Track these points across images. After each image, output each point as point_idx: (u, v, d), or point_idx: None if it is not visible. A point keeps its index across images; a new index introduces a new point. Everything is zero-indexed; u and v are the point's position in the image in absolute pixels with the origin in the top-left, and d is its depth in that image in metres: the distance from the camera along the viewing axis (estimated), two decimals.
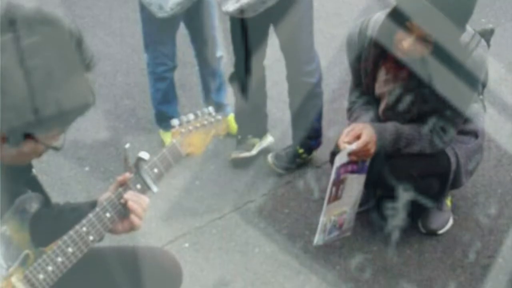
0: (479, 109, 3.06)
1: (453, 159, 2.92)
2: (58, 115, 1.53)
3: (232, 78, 3.56)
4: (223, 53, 3.76)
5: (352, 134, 2.79)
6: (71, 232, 1.75)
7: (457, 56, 2.65)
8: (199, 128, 2.02)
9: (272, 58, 3.51)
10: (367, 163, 2.90)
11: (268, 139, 3.72)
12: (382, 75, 2.88)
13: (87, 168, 3.67)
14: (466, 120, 2.93)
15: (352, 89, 3.06)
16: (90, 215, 1.78)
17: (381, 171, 2.89)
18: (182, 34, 3.71)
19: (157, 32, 3.52)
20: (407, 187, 2.87)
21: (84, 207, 1.89)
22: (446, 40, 2.57)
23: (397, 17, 2.60)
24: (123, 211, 1.83)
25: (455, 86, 2.69)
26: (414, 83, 2.77)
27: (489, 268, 2.96)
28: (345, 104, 3.12)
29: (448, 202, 3.21)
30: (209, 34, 3.64)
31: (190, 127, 2.00)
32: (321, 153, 3.59)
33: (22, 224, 1.73)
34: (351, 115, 3.03)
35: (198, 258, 3.10)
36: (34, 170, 1.86)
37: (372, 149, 2.80)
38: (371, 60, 2.86)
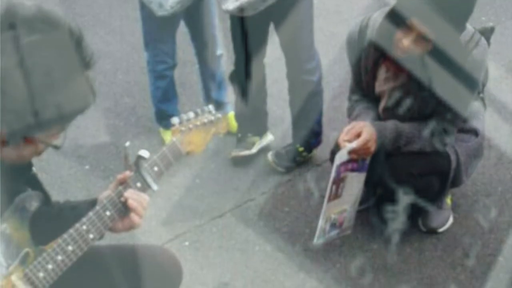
0: (480, 108, 3.06)
1: (453, 158, 2.92)
2: (58, 113, 1.53)
3: (232, 77, 3.56)
4: (223, 52, 3.76)
5: (352, 133, 2.79)
6: (71, 230, 1.75)
7: (457, 55, 2.65)
8: (199, 127, 2.02)
9: (272, 56, 3.50)
10: (367, 162, 2.90)
11: (268, 138, 3.72)
12: (382, 73, 2.88)
13: (87, 167, 3.67)
14: (467, 119, 2.93)
15: (352, 87, 3.06)
16: (90, 213, 1.78)
17: (381, 170, 2.89)
18: (182, 32, 3.71)
19: (157, 30, 3.52)
20: (407, 186, 2.87)
21: (84, 205, 1.88)
22: (446, 39, 2.57)
23: (397, 15, 2.59)
24: (123, 210, 1.83)
25: (455, 85, 2.69)
26: (414, 82, 2.77)
27: (490, 267, 2.95)
28: (345, 102, 3.12)
29: (448, 200, 3.21)
30: (209, 33, 3.63)
31: (190, 126, 2.00)
32: (321, 152, 3.59)
33: (22, 223, 1.73)
34: (351, 113, 3.03)
35: (198, 256, 3.10)
36: (34, 168, 1.86)
37: (372, 147, 2.80)
38: (371, 58, 2.85)
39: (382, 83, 2.89)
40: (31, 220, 1.75)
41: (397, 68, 2.78)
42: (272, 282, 2.97)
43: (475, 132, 3.00)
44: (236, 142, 3.66)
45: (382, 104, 2.94)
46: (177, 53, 3.67)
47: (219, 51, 3.74)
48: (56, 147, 1.64)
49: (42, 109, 1.49)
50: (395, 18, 2.61)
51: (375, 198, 3.21)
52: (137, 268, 2.02)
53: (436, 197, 3.03)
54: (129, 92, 4.26)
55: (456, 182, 3.01)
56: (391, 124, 2.85)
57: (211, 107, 2.09)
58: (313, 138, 3.56)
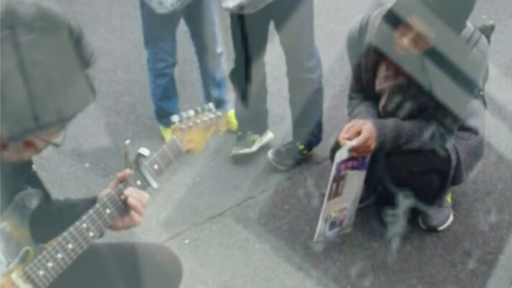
0: (480, 106, 3.06)
1: (453, 156, 2.92)
2: (58, 112, 1.53)
3: (232, 75, 3.56)
4: (223, 50, 3.76)
5: (353, 130, 2.79)
6: (71, 229, 1.74)
7: (458, 53, 2.65)
8: (199, 125, 2.02)
9: (272, 54, 3.50)
10: (368, 160, 2.90)
11: (268, 136, 3.72)
12: (382, 71, 2.88)
13: (87, 165, 3.67)
14: (467, 116, 2.92)
15: (352, 85, 3.06)
16: (90, 212, 1.78)
17: (381, 168, 2.89)
18: (182, 30, 3.71)
19: (157, 28, 3.52)
20: (407, 184, 2.87)
21: (84, 203, 1.88)
22: (446, 37, 2.57)
23: (397, 13, 2.59)
24: (123, 208, 1.82)
25: (455, 83, 2.69)
26: (415, 80, 2.77)
27: (490, 265, 2.95)
28: (346, 100, 3.12)
29: (448, 198, 3.21)
30: (209, 31, 3.63)
31: (190, 124, 1.99)
32: (321, 150, 3.59)
33: (22, 221, 1.73)
34: (352, 111, 3.03)
35: (198, 254, 3.10)
36: (34, 166, 1.86)
37: (373, 145, 2.80)
38: (371, 57, 2.85)
39: (382, 81, 2.89)
40: (31, 218, 1.74)
41: (397, 66, 2.78)
42: (272, 280, 2.97)
43: (475, 130, 3.00)
44: (236, 140, 3.66)
45: (382, 102, 2.94)
46: (177, 51, 3.67)
47: (219, 49, 3.74)
48: (56, 145, 1.64)
49: (42, 107, 1.49)
50: (395, 16, 2.60)
51: (375, 196, 3.21)
52: (137, 267, 2.02)
53: (436, 195, 3.03)
54: (129, 90, 4.26)
55: (456, 180, 3.01)
56: (391, 122, 2.85)
57: (211, 105, 2.09)
58: (313, 136, 3.56)
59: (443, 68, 2.67)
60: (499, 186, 3.37)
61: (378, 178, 2.97)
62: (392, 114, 2.89)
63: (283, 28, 3.29)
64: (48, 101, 1.49)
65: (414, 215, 3.08)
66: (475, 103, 2.99)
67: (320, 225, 2.90)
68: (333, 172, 2.78)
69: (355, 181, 2.92)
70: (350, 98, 3.07)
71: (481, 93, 3.05)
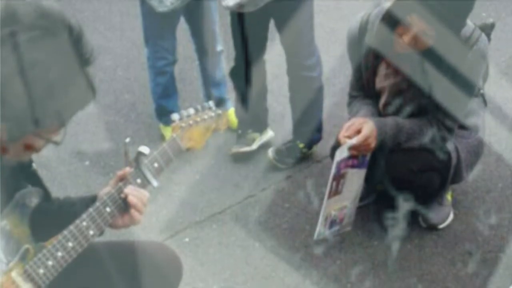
0: (480, 104, 3.05)
1: (453, 154, 2.92)
2: (58, 110, 1.53)
3: (232, 73, 3.56)
4: (223, 48, 3.76)
5: (353, 129, 2.79)
6: (71, 227, 1.74)
7: (458, 51, 2.65)
8: (199, 123, 2.02)
9: (272, 52, 3.50)
10: (368, 158, 2.90)
11: (269, 134, 3.72)
12: (382, 69, 2.87)
13: (87, 163, 3.67)
14: (467, 115, 2.92)
15: (352, 83, 3.06)
16: (90, 210, 1.78)
17: (381, 166, 2.89)
18: (182, 28, 3.70)
19: (157, 26, 3.52)
20: (408, 182, 2.87)
21: (84, 201, 1.88)
22: (447, 35, 2.56)
23: (397, 12, 2.59)
24: (123, 206, 1.82)
25: (455, 81, 2.69)
26: (414, 78, 2.77)
27: (490, 263, 2.95)
28: (346, 98, 3.12)
29: (448, 196, 3.21)
30: (209, 29, 3.63)
31: (191, 122, 1.99)
32: (321, 148, 3.59)
33: (22, 219, 1.73)
34: (352, 109, 3.03)
35: (198, 252, 3.10)
36: (34, 165, 1.86)
37: (373, 143, 2.80)
38: (371, 55, 2.85)
39: (383, 79, 2.89)
40: (31, 216, 1.74)
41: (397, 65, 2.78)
42: (272, 278, 2.97)
43: (475, 129, 3.00)
44: (236, 138, 3.66)
45: (382, 101, 2.94)
46: (177, 49, 3.66)
47: (219, 48, 3.73)
48: (56, 143, 1.64)
49: (42, 106, 1.49)
50: (395, 15, 2.60)
51: (376, 195, 3.21)
52: (137, 265, 2.02)
53: (436, 194, 3.03)
54: (129, 88, 4.26)
55: (456, 178, 3.01)
56: (391, 120, 2.85)
57: (211, 103, 2.09)
58: (314, 134, 3.56)
59: (443, 66, 2.67)
60: (499, 184, 3.37)
61: (378, 177, 2.97)
62: (392, 112, 2.89)
63: (283, 27, 3.29)
64: (48, 99, 1.49)
65: (414, 214, 3.08)
66: (475, 102, 2.99)
67: (320, 223, 2.90)
68: (333, 170, 2.78)
69: (355, 179, 2.92)
70: (350, 96, 3.07)
71: (481, 91, 3.05)
